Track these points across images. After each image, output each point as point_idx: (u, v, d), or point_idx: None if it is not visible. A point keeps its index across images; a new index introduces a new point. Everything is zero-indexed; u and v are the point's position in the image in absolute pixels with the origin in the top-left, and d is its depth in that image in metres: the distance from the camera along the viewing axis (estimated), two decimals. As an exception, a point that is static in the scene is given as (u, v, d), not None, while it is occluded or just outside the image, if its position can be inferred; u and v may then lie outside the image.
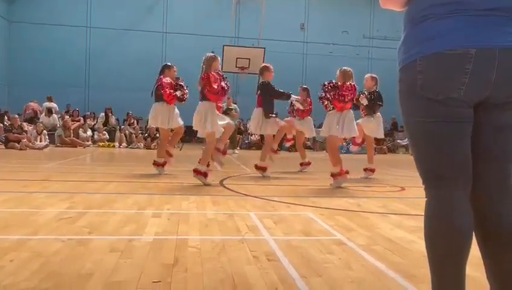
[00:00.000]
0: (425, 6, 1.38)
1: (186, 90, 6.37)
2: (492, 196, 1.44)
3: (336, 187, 5.43)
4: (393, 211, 3.91)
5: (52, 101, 14.82)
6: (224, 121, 5.70)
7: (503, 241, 1.41)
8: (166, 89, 6.19)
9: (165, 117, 6.29)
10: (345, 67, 5.68)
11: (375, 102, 6.62)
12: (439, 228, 1.43)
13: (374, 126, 6.72)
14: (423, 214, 1.49)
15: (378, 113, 6.79)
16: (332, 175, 5.53)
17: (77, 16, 17.09)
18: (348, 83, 5.52)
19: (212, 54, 5.62)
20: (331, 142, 5.71)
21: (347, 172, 5.53)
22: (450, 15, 1.33)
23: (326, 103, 5.63)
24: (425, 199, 1.49)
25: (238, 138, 14.34)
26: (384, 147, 15.13)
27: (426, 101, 1.40)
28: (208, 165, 5.43)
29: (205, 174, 5.30)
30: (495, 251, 1.44)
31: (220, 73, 5.56)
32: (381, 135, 7.15)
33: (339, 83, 5.56)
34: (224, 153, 5.85)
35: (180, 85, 6.39)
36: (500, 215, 1.42)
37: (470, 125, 1.41)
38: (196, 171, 5.33)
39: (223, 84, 5.41)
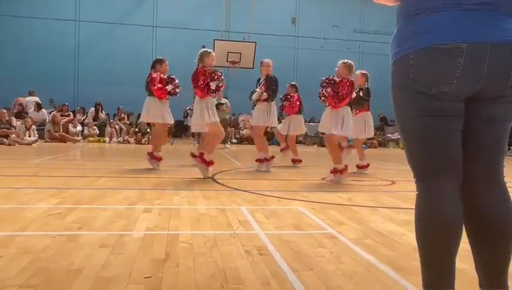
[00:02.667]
0: (418, 0, 1.39)
1: (177, 82, 6.30)
2: (482, 187, 1.46)
3: (331, 182, 5.42)
4: (383, 205, 3.94)
5: (34, 95, 14.56)
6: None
7: (493, 232, 1.43)
8: (155, 84, 6.11)
9: (157, 112, 6.22)
10: (349, 61, 5.57)
11: (362, 97, 6.58)
12: (429, 219, 1.44)
13: (362, 126, 6.68)
14: (413, 207, 1.50)
15: (369, 112, 6.77)
16: (334, 171, 5.47)
17: (66, 9, 16.86)
18: (346, 79, 5.43)
19: (204, 49, 5.56)
20: (330, 140, 5.64)
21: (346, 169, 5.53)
22: (443, 9, 1.34)
23: (323, 98, 5.54)
24: (416, 191, 1.51)
25: (230, 132, 14.31)
26: (375, 141, 15.21)
27: (418, 95, 1.40)
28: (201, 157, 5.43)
29: (208, 164, 5.29)
30: (484, 242, 1.46)
31: (218, 72, 5.42)
32: (370, 135, 7.08)
33: (338, 79, 5.43)
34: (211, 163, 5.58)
35: (172, 79, 6.32)
36: (490, 206, 1.44)
37: (460, 119, 1.42)
38: (201, 158, 5.33)
39: (212, 83, 5.29)
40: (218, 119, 5.57)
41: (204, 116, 5.37)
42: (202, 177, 5.35)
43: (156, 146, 6.38)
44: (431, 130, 1.42)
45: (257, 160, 6.64)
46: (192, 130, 6.65)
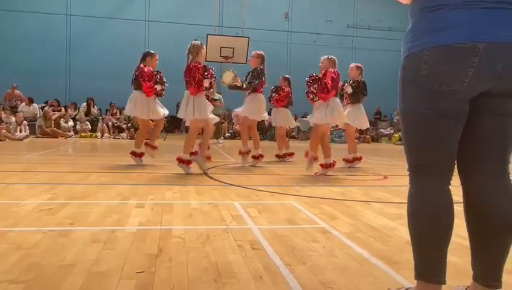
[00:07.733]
0: None
1: (164, 80, 6.21)
2: (489, 180, 1.47)
3: (321, 175, 5.53)
4: (376, 199, 3.96)
5: (16, 89, 14.30)
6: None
7: (496, 224, 1.45)
8: (147, 81, 5.97)
9: (144, 107, 6.06)
10: (332, 56, 5.75)
11: (359, 91, 6.63)
12: (422, 210, 1.47)
13: (357, 116, 6.71)
14: (405, 201, 1.51)
15: (360, 104, 6.78)
16: (322, 165, 5.68)
17: (57, 3, 16.68)
18: (330, 70, 5.54)
19: (198, 42, 5.45)
20: (322, 131, 5.70)
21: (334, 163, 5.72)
22: (462, 7, 1.32)
23: (311, 96, 5.65)
24: (409, 183, 1.52)
25: (223, 127, 14.28)
26: (368, 136, 15.27)
27: (427, 92, 1.40)
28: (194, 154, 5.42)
29: (188, 163, 5.28)
30: (485, 236, 1.48)
31: (211, 70, 5.37)
32: (365, 126, 7.12)
33: (322, 72, 5.58)
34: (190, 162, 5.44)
35: (161, 78, 6.20)
36: (495, 202, 1.46)
37: (463, 120, 1.43)
38: (179, 160, 5.31)
39: (205, 80, 5.24)
40: (207, 116, 5.41)
41: (187, 111, 5.32)
42: (195, 172, 5.34)
43: (138, 142, 6.29)
44: (434, 128, 1.42)
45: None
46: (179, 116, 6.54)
